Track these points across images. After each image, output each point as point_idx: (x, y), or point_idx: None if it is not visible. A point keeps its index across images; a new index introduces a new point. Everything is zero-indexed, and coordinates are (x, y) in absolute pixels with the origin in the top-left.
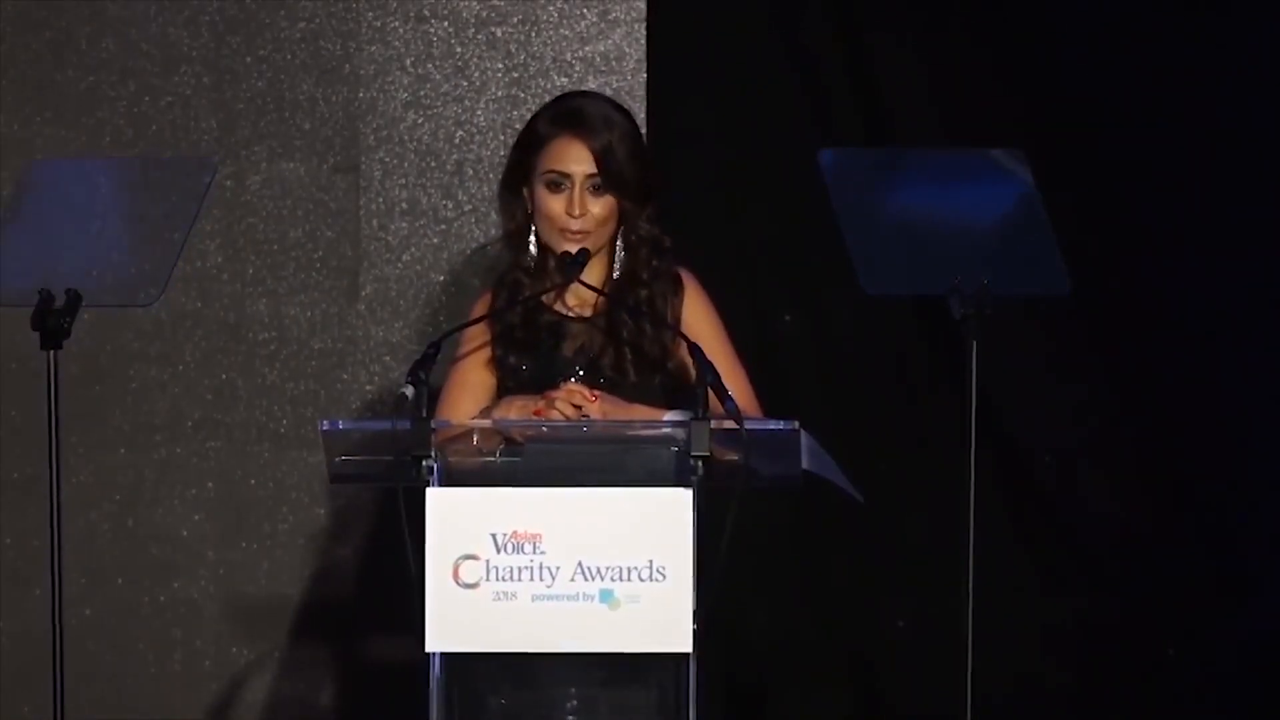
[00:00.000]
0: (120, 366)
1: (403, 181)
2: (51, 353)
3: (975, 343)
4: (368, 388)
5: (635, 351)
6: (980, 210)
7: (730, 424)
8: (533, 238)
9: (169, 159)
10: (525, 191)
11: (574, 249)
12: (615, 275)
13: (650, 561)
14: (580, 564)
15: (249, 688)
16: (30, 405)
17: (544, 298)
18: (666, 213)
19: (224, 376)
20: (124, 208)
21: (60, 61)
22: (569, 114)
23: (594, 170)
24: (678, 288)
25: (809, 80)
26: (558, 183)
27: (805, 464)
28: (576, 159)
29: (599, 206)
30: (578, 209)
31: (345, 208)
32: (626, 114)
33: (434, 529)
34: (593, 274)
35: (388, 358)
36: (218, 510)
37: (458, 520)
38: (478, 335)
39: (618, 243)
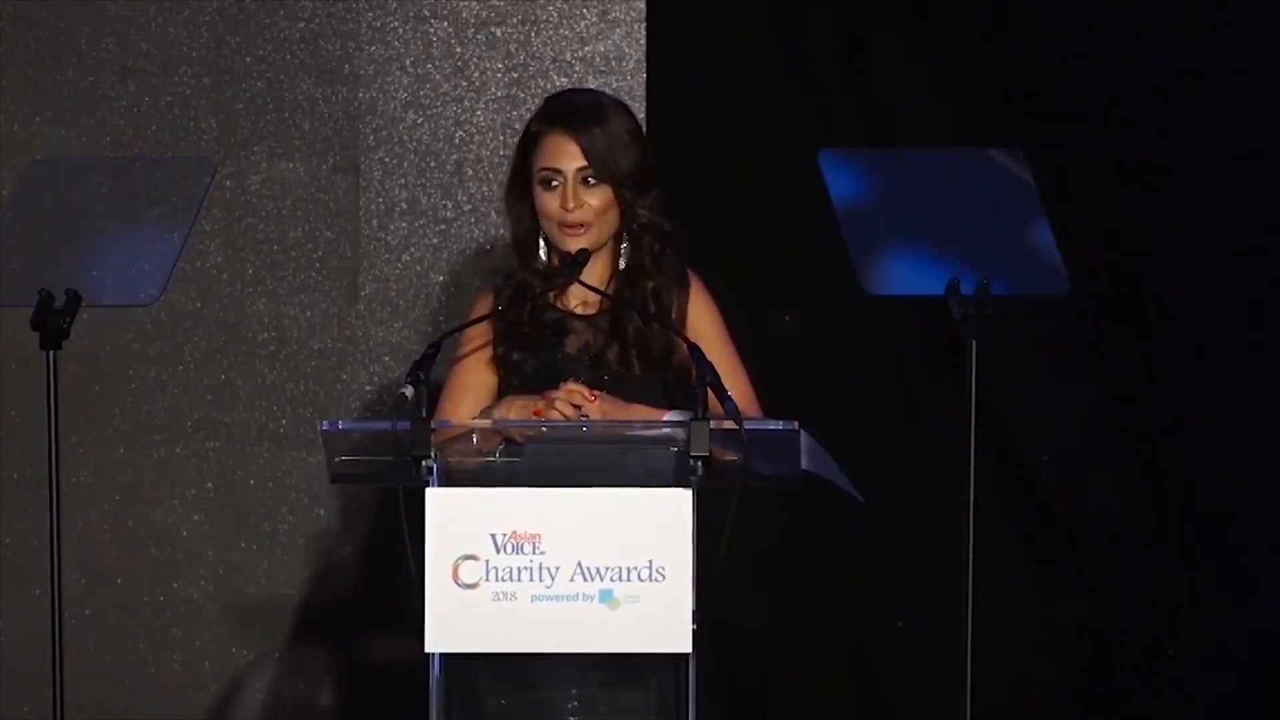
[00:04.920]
0: (120, 366)
1: (402, 181)
2: (51, 353)
3: (975, 343)
4: (367, 388)
5: (639, 348)
6: (980, 210)
7: (730, 424)
8: (541, 241)
9: (169, 159)
10: (529, 194)
11: (576, 245)
12: (620, 268)
13: (650, 562)
14: (580, 564)
15: (249, 688)
16: (30, 405)
17: (548, 295)
18: (666, 210)
19: (223, 377)
20: (124, 208)
21: (60, 61)
22: (556, 111)
23: (584, 163)
24: (684, 285)
25: (809, 80)
26: (551, 180)
27: (805, 464)
28: (566, 154)
29: (595, 198)
30: (571, 203)
31: (345, 208)
32: (619, 105)
33: (433, 529)
34: (597, 268)
35: (387, 358)
36: (217, 510)
37: (457, 520)
38: (478, 335)
39: (622, 236)
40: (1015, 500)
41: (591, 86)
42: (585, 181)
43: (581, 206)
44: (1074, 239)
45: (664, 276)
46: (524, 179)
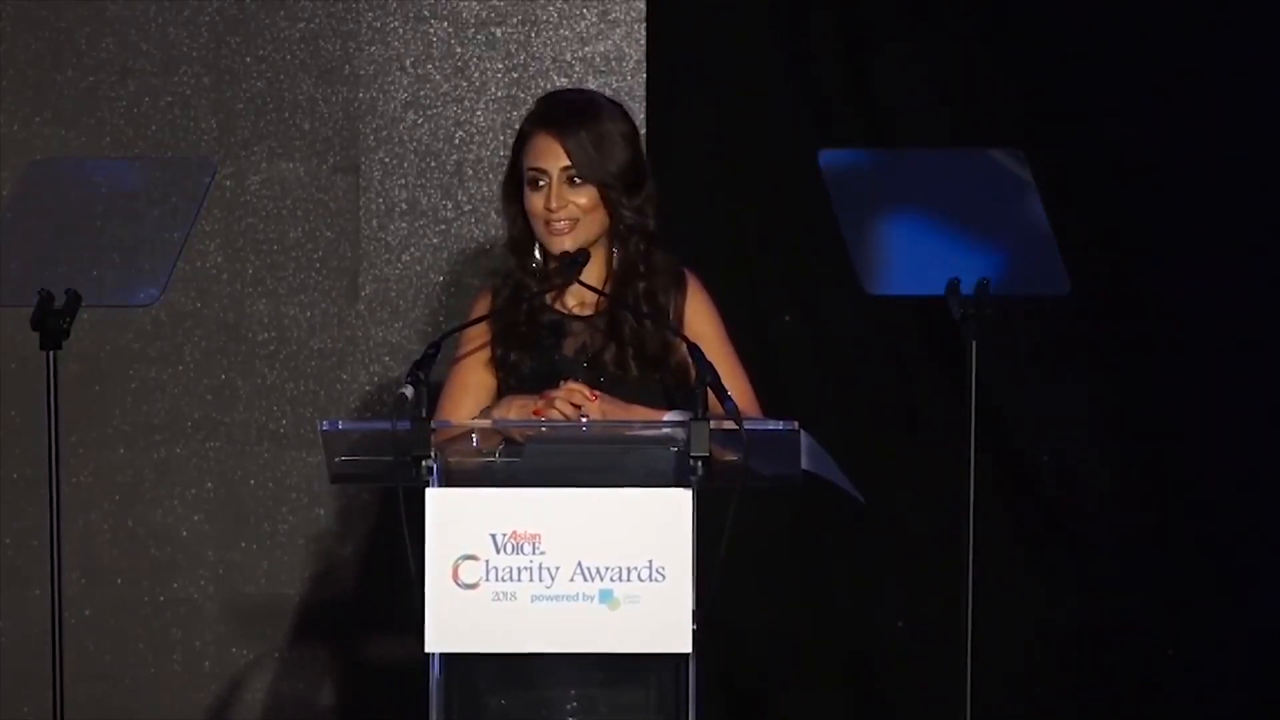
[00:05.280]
0: (120, 366)
1: (402, 182)
2: (51, 353)
3: (975, 343)
4: (367, 388)
5: (636, 349)
6: (980, 210)
7: (730, 424)
8: (537, 241)
9: (169, 159)
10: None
11: (562, 245)
12: (614, 269)
13: (650, 562)
14: (580, 564)
15: (249, 688)
16: (30, 405)
17: (545, 297)
18: (666, 210)
19: (224, 376)
20: (124, 208)
21: (60, 61)
22: (545, 110)
23: (568, 163)
24: (681, 285)
25: (809, 80)
26: (538, 179)
27: (805, 464)
28: (551, 154)
29: (582, 197)
30: (554, 202)
31: (345, 208)
32: (611, 105)
33: (433, 529)
34: (593, 270)
35: (387, 358)
36: (217, 510)
37: (457, 520)
38: (478, 335)
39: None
40: (1015, 500)
41: (591, 86)
42: (571, 181)
43: (565, 206)
44: (1074, 239)
45: (658, 277)
46: (517, 179)
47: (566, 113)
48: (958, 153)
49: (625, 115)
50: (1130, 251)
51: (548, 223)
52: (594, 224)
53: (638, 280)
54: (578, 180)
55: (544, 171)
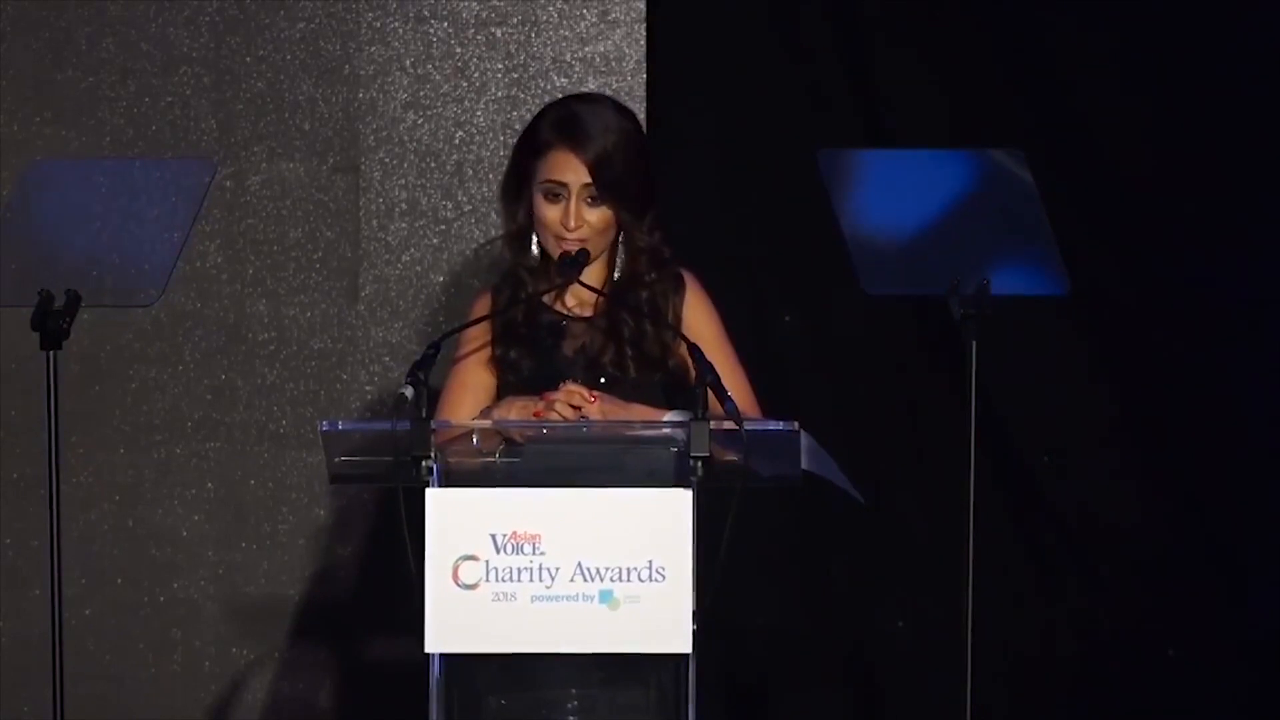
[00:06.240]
0: (120, 366)
1: (402, 182)
2: (51, 353)
3: (975, 343)
4: (367, 388)
5: (636, 350)
6: (980, 210)
7: (730, 424)
8: (534, 238)
9: (169, 159)
10: (526, 193)
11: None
12: (616, 277)
13: (650, 562)
14: (580, 564)
15: (249, 688)
16: (30, 405)
17: (544, 298)
18: (667, 212)
19: (224, 377)
20: (124, 208)
21: (60, 61)
22: (568, 122)
23: (589, 181)
24: (679, 288)
25: (809, 81)
26: (554, 192)
27: (805, 464)
28: (573, 170)
29: (595, 216)
30: (573, 220)
31: (345, 208)
32: (629, 118)
33: (433, 529)
34: (592, 275)
35: (387, 358)
36: (217, 510)
37: (457, 521)
38: (478, 336)
39: (619, 246)
40: (1015, 500)
41: (591, 87)
42: (588, 199)
43: (581, 226)
44: (1074, 239)
45: (659, 283)
46: (522, 179)
47: (593, 131)
48: (958, 153)
49: (633, 119)
50: (1130, 251)
51: (559, 237)
52: (604, 241)
53: (640, 290)
54: (594, 199)
55: (564, 185)
